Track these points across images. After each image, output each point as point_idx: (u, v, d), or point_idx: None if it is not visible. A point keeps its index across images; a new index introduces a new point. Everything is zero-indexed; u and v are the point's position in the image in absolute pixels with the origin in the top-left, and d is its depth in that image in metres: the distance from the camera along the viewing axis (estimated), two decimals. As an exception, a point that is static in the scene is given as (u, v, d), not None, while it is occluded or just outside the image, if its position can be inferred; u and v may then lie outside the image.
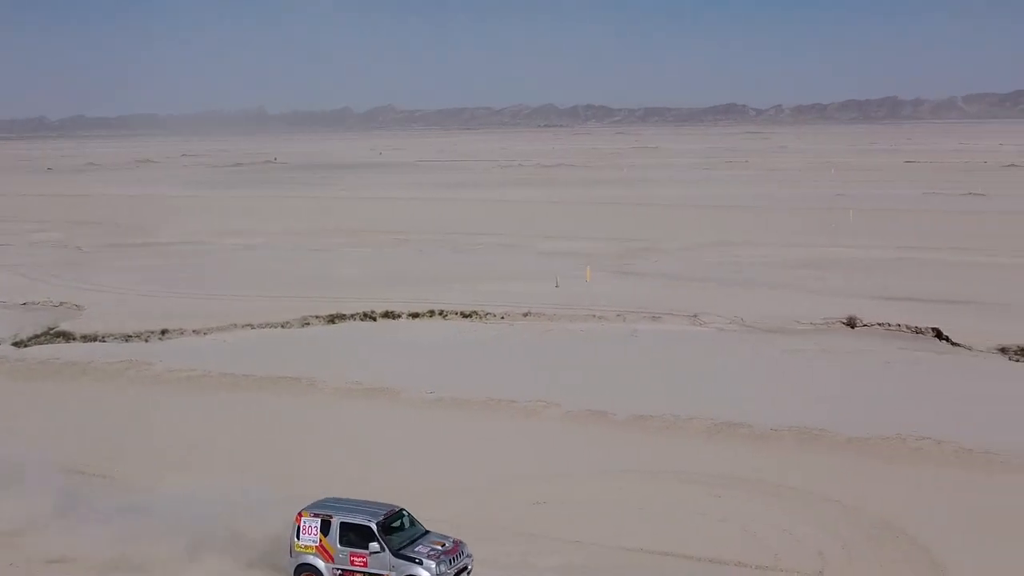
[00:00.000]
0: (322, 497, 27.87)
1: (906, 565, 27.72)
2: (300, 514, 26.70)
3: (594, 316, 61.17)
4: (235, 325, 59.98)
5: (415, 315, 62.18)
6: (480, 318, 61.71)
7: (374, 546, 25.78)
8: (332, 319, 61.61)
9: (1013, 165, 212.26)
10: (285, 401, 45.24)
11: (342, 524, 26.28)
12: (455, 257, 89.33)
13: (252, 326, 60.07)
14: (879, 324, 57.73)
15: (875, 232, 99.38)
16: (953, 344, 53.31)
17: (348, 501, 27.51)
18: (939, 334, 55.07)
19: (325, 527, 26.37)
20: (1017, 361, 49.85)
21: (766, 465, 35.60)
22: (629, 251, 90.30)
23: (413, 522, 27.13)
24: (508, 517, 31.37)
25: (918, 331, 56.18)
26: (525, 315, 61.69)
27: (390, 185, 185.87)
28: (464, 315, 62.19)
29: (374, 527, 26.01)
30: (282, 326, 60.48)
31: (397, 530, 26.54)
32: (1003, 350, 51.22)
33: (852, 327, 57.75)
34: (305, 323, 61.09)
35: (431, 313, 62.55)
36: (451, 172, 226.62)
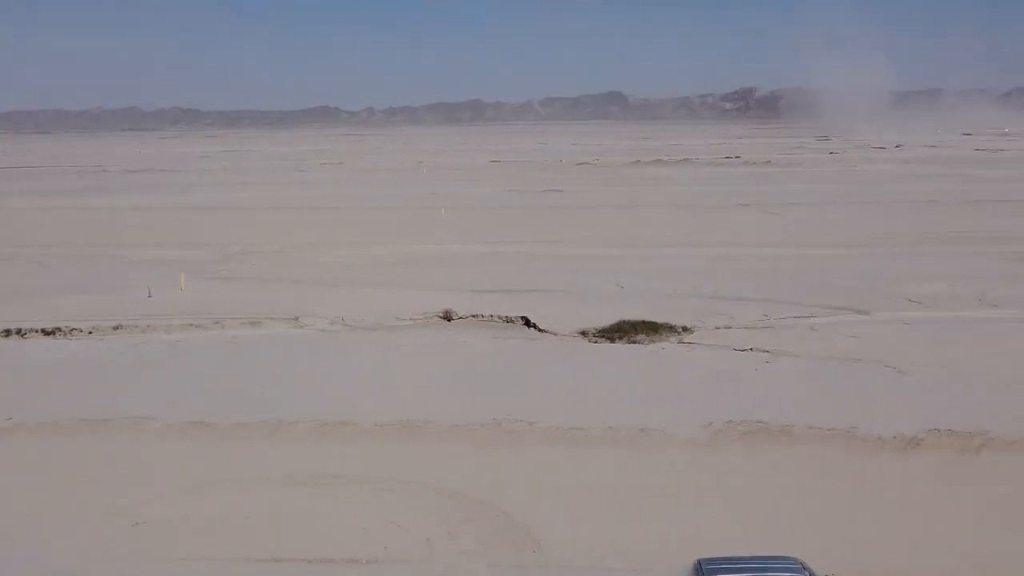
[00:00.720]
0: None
1: (506, 541, 29.20)
2: None
3: (191, 325, 58.90)
4: None
5: (-13, 335, 56.59)
6: (64, 334, 57.32)
7: None
8: None
9: (585, 163, 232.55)
10: None
11: None
12: (31, 270, 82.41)
13: None
14: (473, 316, 60.47)
15: (466, 228, 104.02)
16: (541, 331, 56.96)
17: (734, 560, 22.94)
18: (527, 322, 58.65)
19: None
20: (596, 343, 54.13)
21: (373, 460, 36.07)
22: (226, 256, 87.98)
23: None
24: (108, 542, 29.39)
25: (509, 320, 59.47)
26: (116, 328, 58.13)
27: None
28: (46, 332, 57.49)
29: None
30: None
31: None
32: (583, 333, 55.45)
33: (449, 320, 60.08)
34: None
35: (7, 332, 57.22)
36: (20, 180, 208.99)
